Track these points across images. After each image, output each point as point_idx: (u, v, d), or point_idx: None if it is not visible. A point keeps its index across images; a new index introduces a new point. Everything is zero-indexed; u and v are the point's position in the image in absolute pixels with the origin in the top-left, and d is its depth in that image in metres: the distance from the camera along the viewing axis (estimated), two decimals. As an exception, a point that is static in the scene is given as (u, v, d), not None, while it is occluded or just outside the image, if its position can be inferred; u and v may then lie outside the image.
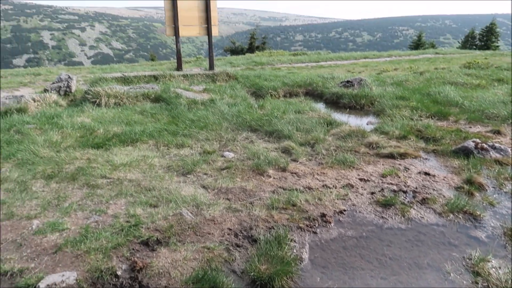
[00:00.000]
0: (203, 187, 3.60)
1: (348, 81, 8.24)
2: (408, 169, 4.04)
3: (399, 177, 3.81)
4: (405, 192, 3.51)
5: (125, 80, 8.56)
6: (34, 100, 6.57)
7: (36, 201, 3.26)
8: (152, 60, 26.55)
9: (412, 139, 4.93)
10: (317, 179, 3.80)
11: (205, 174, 3.90)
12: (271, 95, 8.03)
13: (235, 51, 28.64)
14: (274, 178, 3.83)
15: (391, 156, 4.39)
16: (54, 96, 6.96)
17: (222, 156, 4.41)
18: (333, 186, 3.62)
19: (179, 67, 10.21)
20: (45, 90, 7.58)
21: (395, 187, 3.59)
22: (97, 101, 6.74)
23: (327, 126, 5.46)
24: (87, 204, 3.22)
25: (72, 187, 3.55)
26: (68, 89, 7.58)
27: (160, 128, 5.31)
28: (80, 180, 3.68)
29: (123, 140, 4.84)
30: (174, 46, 10.55)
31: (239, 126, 5.51)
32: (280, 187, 3.61)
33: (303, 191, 3.50)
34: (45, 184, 3.61)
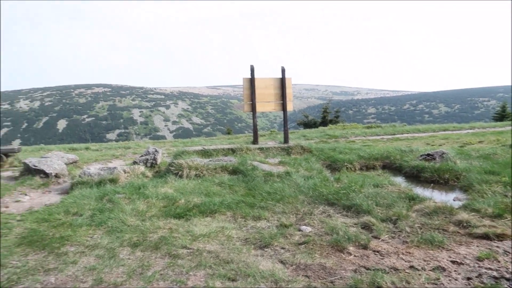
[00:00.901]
0: (281, 262, 3.52)
1: (428, 154, 7.88)
2: (509, 252, 3.60)
3: (499, 262, 3.40)
4: (508, 280, 3.10)
5: (204, 153, 9.06)
6: (124, 171, 7.17)
7: (122, 268, 3.42)
8: (228, 133, 28.04)
9: (509, 218, 4.45)
10: (403, 259, 3.53)
11: (283, 248, 3.83)
12: (346, 168, 7.90)
13: (307, 124, 29.31)
14: (355, 256, 3.64)
15: (486, 236, 3.97)
16: (141, 168, 7.55)
17: (299, 230, 4.34)
18: (422, 268, 3.33)
19: (255, 141, 10.61)
20: (134, 162, 8.27)
21: (495, 273, 3.20)
22: (180, 173, 7.16)
23: (409, 201, 5.17)
24: (169, 274, 3.29)
25: (155, 256, 3.69)
26: (154, 162, 8.20)
27: (237, 199, 5.43)
28: (162, 249, 3.82)
29: (202, 211, 5.01)
30: (248, 120, 11.17)
31: (316, 200, 5.44)
32: (362, 266, 3.41)
33: (388, 272, 3.25)
34: (131, 251, 3.80)
